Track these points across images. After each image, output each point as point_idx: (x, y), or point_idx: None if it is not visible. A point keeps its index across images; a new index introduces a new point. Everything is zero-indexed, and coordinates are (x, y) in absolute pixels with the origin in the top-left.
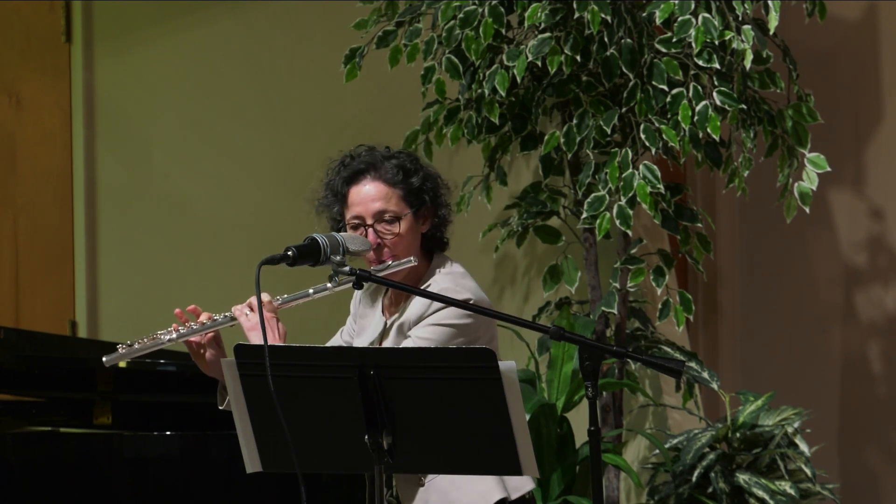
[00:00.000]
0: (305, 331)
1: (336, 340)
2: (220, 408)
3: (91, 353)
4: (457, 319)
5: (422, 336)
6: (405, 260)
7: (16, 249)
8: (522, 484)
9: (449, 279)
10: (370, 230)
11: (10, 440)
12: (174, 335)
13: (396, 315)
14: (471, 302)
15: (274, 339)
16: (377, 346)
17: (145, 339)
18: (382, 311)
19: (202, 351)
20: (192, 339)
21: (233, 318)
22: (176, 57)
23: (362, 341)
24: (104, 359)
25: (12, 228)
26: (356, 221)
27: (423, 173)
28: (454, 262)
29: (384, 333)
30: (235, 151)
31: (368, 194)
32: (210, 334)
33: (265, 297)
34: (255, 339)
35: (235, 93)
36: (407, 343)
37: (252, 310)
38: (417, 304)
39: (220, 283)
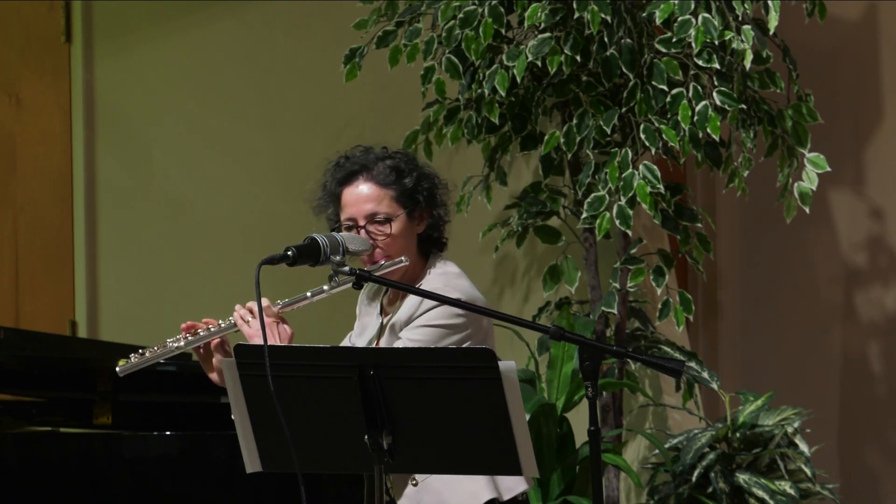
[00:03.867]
0: (306, 332)
1: (344, 343)
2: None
3: (91, 353)
4: (445, 319)
5: (412, 338)
6: (397, 260)
7: (16, 249)
8: (516, 485)
9: (441, 279)
10: (363, 231)
11: (10, 440)
12: (182, 343)
13: (391, 315)
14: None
15: (276, 343)
16: (374, 346)
17: (156, 348)
18: (381, 311)
19: (210, 358)
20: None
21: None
22: (176, 57)
23: (361, 341)
24: (118, 369)
25: (12, 228)
26: (349, 223)
27: (418, 174)
28: (449, 262)
29: (380, 333)
30: (235, 151)
31: (360, 195)
32: (217, 340)
33: (265, 302)
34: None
35: (235, 93)
36: (399, 345)
37: (253, 315)
38: (407, 306)
39: (220, 282)
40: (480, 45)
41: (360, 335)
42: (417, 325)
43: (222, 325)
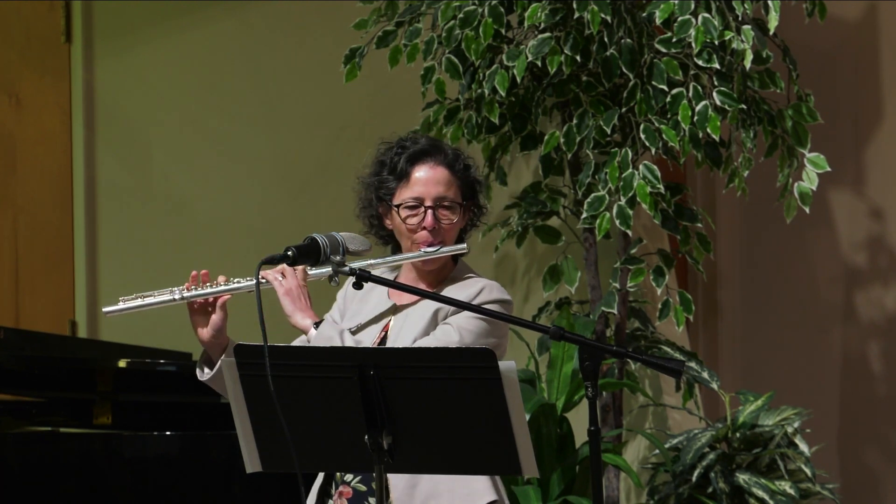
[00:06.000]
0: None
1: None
2: (201, 379)
3: (91, 353)
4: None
5: (465, 326)
6: (459, 246)
7: (16, 249)
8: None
9: (490, 282)
10: (429, 212)
11: (10, 440)
12: (186, 293)
13: (412, 303)
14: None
15: (306, 308)
16: (383, 326)
17: (154, 293)
18: (388, 295)
19: (210, 310)
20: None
21: (259, 283)
22: (176, 57)
23: (360, 321)
24: (113, 306)
25: (12, 228)
26: (414, 202)
27: (474, 172)
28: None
29: (387, 313)
30: (235, 151)
31: (434, 176)
32: (224, 297)
33: (299, 267)
34: (288, 303)
35: (235, 93)
36: (447, 330)
37: (284, 276)
38: (458, 294)
39: None
40: (480, 45)
41: (353, 317)
42: (471, 315)
43: (241, 284)
